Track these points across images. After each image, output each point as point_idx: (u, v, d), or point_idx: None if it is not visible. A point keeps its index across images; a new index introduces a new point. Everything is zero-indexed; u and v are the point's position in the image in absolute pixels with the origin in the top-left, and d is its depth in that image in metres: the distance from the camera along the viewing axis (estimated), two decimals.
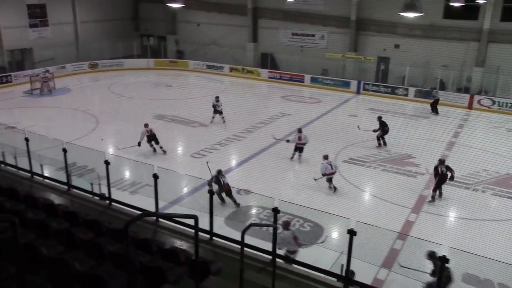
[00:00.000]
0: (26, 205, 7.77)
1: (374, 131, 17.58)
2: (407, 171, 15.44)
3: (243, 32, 32.61)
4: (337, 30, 29.26)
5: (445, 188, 13.32)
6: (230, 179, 12.97)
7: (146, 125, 16.34)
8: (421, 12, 13.58)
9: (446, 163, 13.48)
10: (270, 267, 6.84)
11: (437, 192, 13.19)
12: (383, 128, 17.50)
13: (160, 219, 8.45)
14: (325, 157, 13.72)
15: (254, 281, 6.13)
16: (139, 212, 8.72)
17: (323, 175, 13.49)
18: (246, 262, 6.25)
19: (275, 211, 7.11)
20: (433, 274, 7.27)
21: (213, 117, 20.28)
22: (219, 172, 12.38)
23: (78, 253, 5.78)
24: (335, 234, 10.66)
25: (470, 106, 24.30)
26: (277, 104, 24.67)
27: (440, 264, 5.44)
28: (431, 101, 23.42)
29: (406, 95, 26.07)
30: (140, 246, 6.38)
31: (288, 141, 16.30)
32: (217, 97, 20.49)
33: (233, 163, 16.28)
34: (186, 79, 31.67)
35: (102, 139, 17.79)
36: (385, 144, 17.55)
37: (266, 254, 7.28)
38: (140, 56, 34.42)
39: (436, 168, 13.22)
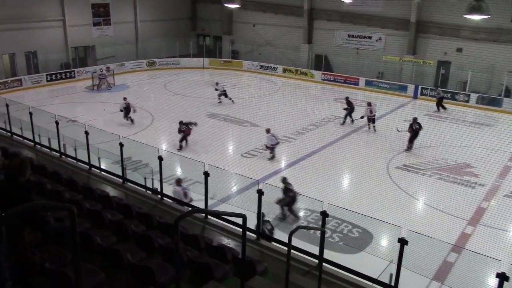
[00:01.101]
0: (84, 195, 8.14)
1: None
2: (465, 181, 14.71)
3: (298, 33, 32.45)
4: (395, 32, 28.42)
5: (504, 201, 12.56)
6: (279, 180, 12.91)
7: (124, 99, 19.82)
8: (488, 15, 12.88)
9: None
10: (316, 271, 6.75)
11: (411, 145, 16.84)
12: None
13: (209, 216, 8.57)
14: (268, 131, 16.12)
15: (299, 284, 6.06)
16: (189, 208, 8.95)
17: (268, 146, 16.07)
18: (292, 264, 6.19)
19: (324, 214, 7.00)
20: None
21: (219, 100, 23.73)
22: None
23: (130, 245, 5.98)
24: (385, 242, 10.33)
25: None
26: (330, 107, 24.30)
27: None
28: (437, 99, 23.87)
29: (467, 101, 24.85)
30: (189, 241, 6.50)
31: (362, 117, 19.57)
32: (216, 83, 24.17)
33: (283, 164, 16.23)
34: (240, 79, 31.99)
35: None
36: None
37: (312, 257, 7.19)
38: (195, 56, 35.20)
39: (411, 126, 17.10)
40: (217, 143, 17.11)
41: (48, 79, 27.59)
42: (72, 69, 29.09)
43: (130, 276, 5.07)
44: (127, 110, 19.68)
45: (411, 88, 26.79)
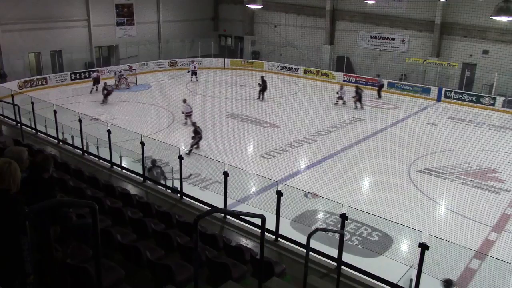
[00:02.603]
0: (105, 193, 8.25)
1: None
2: (489, 186, 14.38)
3: (320, 34, 32.28)
4: (419, 33, 27.99)
5: None
6: (299, 182, 12.87)
7: (96, 71, 24.26)
8: None
9: None
10: (334, 274, 6.69)
11: (360, 104, 22.26)
12: None
13: (227, 216, 8.58)
14: (184, 101, 19.68)
15: (317, 286, 6.02)
16: (208, 208, 8.98)
17: (183, 112, 19.41)
18: (310, 266, 6.15)
19: (343, 217, 6.93)
20: None
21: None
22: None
23: (149, 242, 6.04)
24: (405, 246, 10.18)
25: None
26: (351, 109, 24.11)
27: None
28: (378, 87, 26.71)
29: (492, 104, 24.29)
30: (208, 241, 6.52)
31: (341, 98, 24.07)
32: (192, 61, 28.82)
33: (302, 165, 16.16)
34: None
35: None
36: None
37: (331, 260, 7.13)
38: (217, 56, 35.37)
39: (356, 91, 23.21)
40: (237, 143, 17.14)
41: (72, 77, 28.14)
42: (96, 68, 29.58)
43: (149, 273, 5.12)
44: (95, 80, 25.45)
45: (434, 90, 26.35)
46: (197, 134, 16.58)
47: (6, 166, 3.37)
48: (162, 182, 11.36)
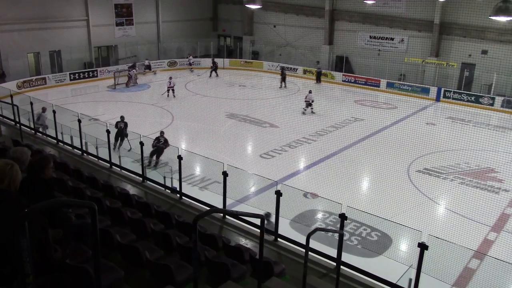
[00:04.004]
0: (104, 193, 8.24)
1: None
2: (488, 186, 14.39)
3: (319, 34, 32.30)
4: (418, 33, 28.03)
5: None
6: (298, 182, 12.88)
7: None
8: None
9: None
10: (333, 274, 6.69)
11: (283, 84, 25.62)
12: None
13: (226, 216, 8.58)
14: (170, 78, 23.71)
15: (316, 286, 6.02)
16: (208, 208, 8.97)
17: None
18: (310, 266, 6.15)
19: (342, 217, 6.94)
20: None
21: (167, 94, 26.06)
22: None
23: (148, 243, 6.04)
24: (404, 246, 10.18)
25: None
26: (350, 108, 24.12)
27: None
28: (316, 73, 30.33)
29: (491, 104, 24.33)
30: (207, 241, 6.52)
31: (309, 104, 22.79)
32: (170, 77, 26.70)
33: (302, 165, 16.16)
34: (260, 80, 32.00)
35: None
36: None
37: (330, 260, 7.13)
38: (216, 56, 35.37)
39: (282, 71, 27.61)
40: (236, 143, 17.13)
41: (72, 78, 28.13)
42: (95, 69, 29.59)
43: (149, 273, 5.12)
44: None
45: (433, 90, 26.38)
46: (156, 150, 14.88)
47: (8, 168, 3.39)
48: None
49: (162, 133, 15.31)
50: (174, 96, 25.09)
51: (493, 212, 12.58)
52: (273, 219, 8.48)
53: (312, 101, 22.67)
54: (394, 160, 15.72)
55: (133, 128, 15.60)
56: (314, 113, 22.61)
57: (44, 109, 15.46)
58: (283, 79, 28.52)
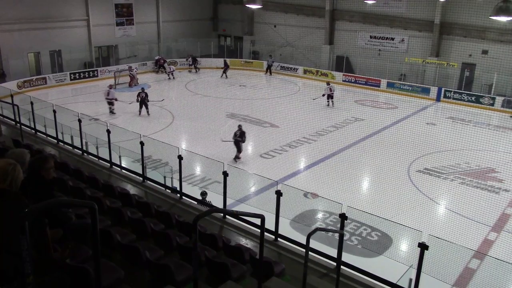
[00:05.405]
0: (104, 193, 8.24)
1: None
2: (489, 186, 14.39)
3: (319, 34, 32.30)
4: (418, 33, 28.01)
5: None
6: (298, 182, 12.88)
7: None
8: None
9: None
10: (334, 274, 6.69)
11: (269, 72, 25.87)
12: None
13: (227, 216, 8.58)
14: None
15: (316, 286, 6.02)
16: (208, 208, 8.98)
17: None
18: (310, 266, 6.15)
19: (343, 217, 6.93)
20: None
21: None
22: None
23: (148, 242, 6.04)
24: (404, 246, 10.18)
25: None
26: (350, 108, 24.13)
27: None
28: (268, 65, 32.10)
29: (492, 104, 24.31)
30: (207, 241, 6.52)
31: (323, 95, 23.63)
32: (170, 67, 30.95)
33: (302, 165, 16.16)
34: (260, 80, 32.01)
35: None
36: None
37: (330, 260, 7.13)
38: (216, 56, 35.37)
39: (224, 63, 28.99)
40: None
41: (72, 77, 28.13)
42: (95, 68, 29.59)
43: (149, 273, 5.12)
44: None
45: (434, 90, 26.37)
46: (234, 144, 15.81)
47: (10, 168, 3.40)
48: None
49: (239, 126, 16.16)
50: (174, 78, 29.24)
51: (494, 212, 12.57)
52: (208, 198, 10.13)
53: (333, 91, 23.83)
54: (394, 160, 15.71)
55: (133, 128, 15.59)
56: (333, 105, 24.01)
57: (110, 86, 22.06)
58: (225, 70, 30.96)
